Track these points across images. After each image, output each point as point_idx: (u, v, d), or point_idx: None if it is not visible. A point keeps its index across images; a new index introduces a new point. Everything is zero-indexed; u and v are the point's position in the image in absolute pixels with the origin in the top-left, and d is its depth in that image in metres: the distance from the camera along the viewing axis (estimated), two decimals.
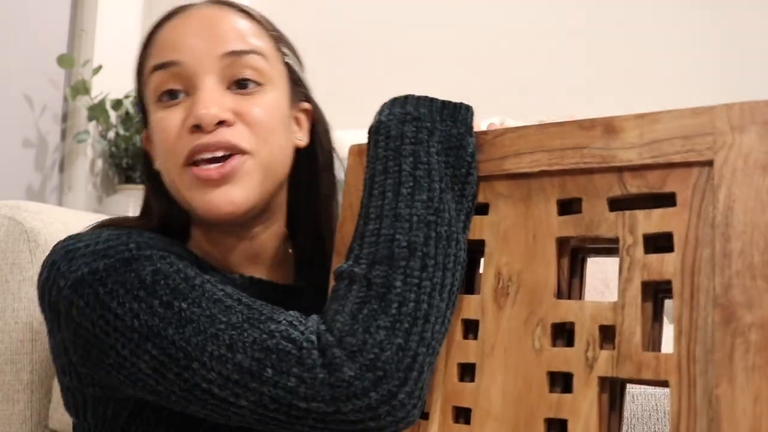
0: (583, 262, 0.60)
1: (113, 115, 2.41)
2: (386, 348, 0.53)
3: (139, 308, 0.58)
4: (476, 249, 0.60)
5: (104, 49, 2.40)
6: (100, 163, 2.46)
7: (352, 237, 0.59)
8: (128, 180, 2.38)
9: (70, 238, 0.66)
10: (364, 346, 0.53)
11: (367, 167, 0.61)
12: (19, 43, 2.19)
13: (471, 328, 0.59)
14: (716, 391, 0.47)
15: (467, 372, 0.58)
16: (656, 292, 0.55)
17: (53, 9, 2.35)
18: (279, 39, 0.74)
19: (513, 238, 0.58)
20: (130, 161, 2.36)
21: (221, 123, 0.66)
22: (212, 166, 0.66)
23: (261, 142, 0.68)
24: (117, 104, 2.39)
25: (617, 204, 0.55)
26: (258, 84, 0.69)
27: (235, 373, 0.54)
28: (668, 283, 0.51)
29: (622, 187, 0.54)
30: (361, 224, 0.59)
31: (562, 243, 0.56)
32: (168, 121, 0.68)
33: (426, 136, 0.60)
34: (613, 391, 0.54)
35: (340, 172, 0.80)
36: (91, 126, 2.38)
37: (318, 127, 0.78)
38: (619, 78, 2.24)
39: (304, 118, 0.77)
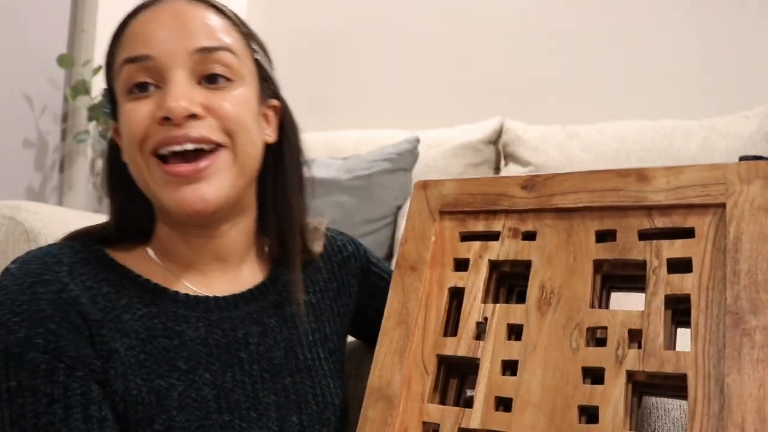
0: (609, 292, 0.72)
1: None
2: None
3: None
4: (525, 268, 0.71)
5: (104, 49, 2.45)
6: (100, 163, 2.38)
7: None
8: None
9: (5, 272, 0.66)
10: None
11: None
12: (19, 43, 2.16)
13: (515, 332, 0.69)
14: (727, 380, 0.57)
15: (509, 368, 0.67)
16: (674, 314, 0.66)
17: (53, 9, 2.31)
18: (249, 36, 0.76)
19: (556, 258, 0.69)
20: None
21: (191, 116, 0.68)
22: (184, 163, 0.68)
23: (232, 135, 0.70)
24: None
25: (646, 236, 0.67)
26: (227, 80, 0.71)
27: None
28: (687, 297, 0.63)
29: (651, 222, 0.67)
30: None
31: (597, 264, 0.68)
32: (137, 111, 0.69)
33: None
34: (635, 391, 0.63)
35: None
36: (91, 126, 2.33)
37: (286, 124, 0.80)
38: (619, 77, 2.23)
39: (272, 115, 0.79)
